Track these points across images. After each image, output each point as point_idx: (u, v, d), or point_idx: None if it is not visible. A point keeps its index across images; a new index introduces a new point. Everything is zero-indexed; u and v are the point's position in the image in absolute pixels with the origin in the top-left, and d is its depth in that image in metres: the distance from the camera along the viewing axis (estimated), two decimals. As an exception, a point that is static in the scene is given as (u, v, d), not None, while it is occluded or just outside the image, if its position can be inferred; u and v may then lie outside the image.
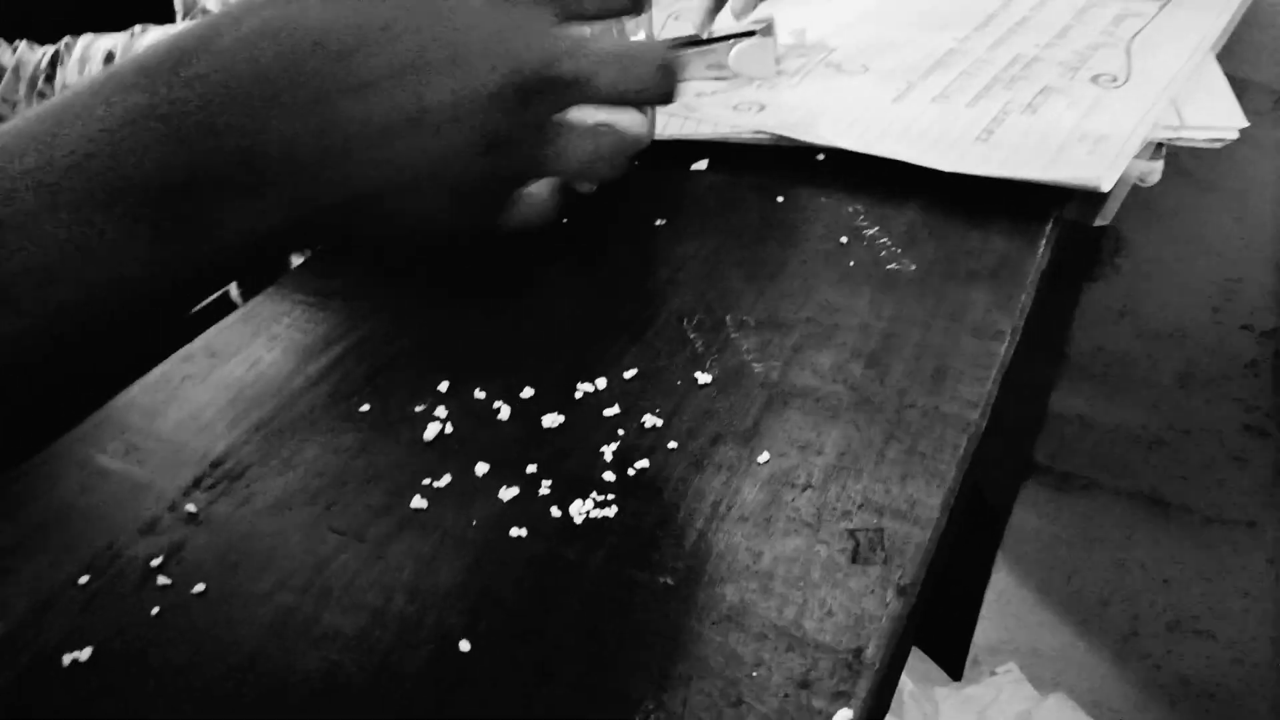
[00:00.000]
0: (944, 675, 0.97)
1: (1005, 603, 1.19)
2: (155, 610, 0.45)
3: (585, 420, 0.53)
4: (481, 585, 0.45)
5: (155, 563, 0.48)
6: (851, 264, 0.62)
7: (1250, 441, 1.22)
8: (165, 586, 0.47)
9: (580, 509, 0.47)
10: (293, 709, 0.41)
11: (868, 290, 0.60)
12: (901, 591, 0.42)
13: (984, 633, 1.25)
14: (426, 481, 0.50)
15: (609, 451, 0.50)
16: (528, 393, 0.55)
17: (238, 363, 0.61)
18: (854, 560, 0.44)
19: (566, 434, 0.52)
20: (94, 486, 0.53)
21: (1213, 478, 1.26)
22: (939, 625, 1.16)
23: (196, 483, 0.52)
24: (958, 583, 1.20)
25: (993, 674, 0.89)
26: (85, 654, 0.44)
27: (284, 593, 0.46)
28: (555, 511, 0.48)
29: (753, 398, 0.53)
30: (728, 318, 0.59)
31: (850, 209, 0.67)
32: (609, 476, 0.49)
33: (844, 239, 0.64)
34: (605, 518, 0.47)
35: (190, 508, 0.51)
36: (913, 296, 0.59)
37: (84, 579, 0.47)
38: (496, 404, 0.54)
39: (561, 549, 0.46)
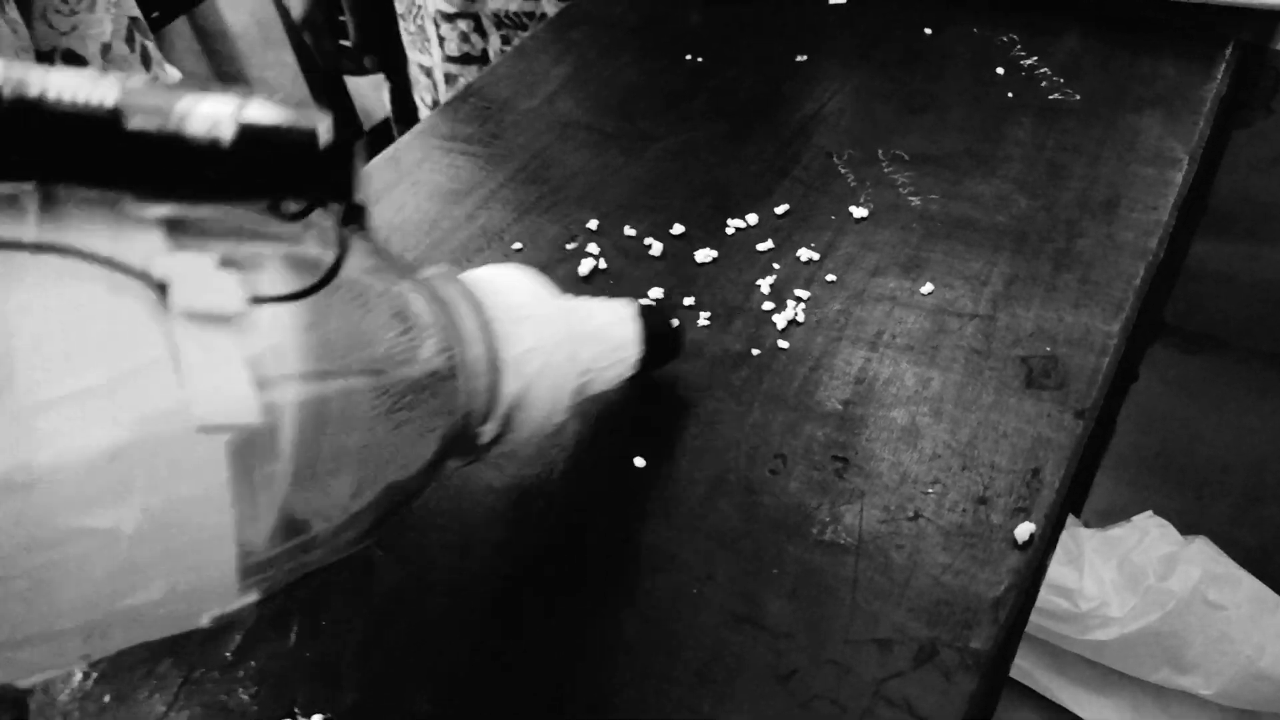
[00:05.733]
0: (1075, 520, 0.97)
1: (1123, 466, 1.16)
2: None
3: (738, 254, 0.52)
4: (643, 414, 0.46)
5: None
6: (1010, 95, 0.59)
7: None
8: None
9: (739, 334, 0.48)
10: (479, 525, 0.43)
11: (1028, 121, 0.57)
12: (1079, 415, 0.41)
13: (1098, 497, 1.23)
14: (584, 314, 0.51)
15: (765, 284, 0.50)
16: (678, 229, 0.55)
17: (384, 206, 0.62)
18: (1028, 386, 0.43)
19: (720, 267, 0.52)
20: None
21: (1356, 339, 1.20)
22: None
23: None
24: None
25: (1128, 521, 0.89)
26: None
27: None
28: (715, 342, 0.48)
29: (912, 230, 0.52)
30: (880, 152, 0.57)
31: (1004, 39, 0.64)
32: (767, 306, 0.49)
33: (1000, 70, 0.61)
34: (774, 345, 0.47)
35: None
36: (1078, 126, 0.56)
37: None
38: (648, 240, 0.54)
39: (727, 376, 0.46)
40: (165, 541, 0.21)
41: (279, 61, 1.65)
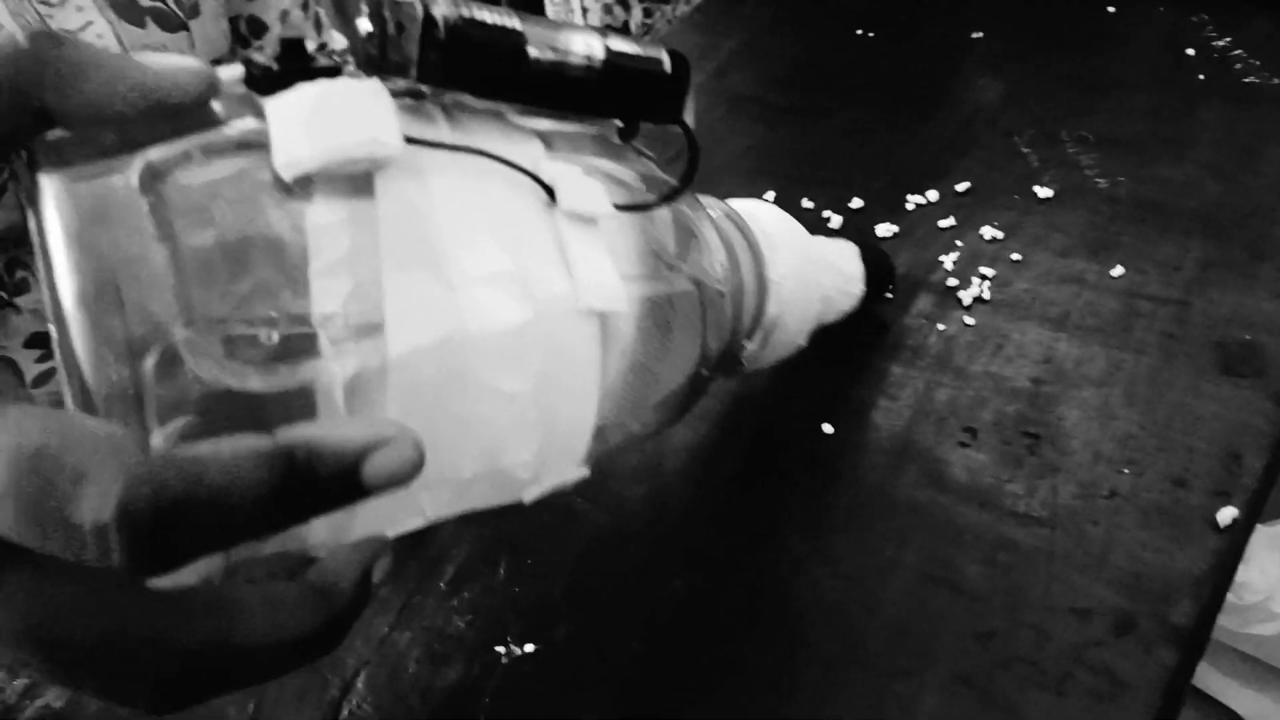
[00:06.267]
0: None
1: None
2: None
3: (920, 230, 0.53)
4: (831, 382, 0.47)
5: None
6: (1200, 78, 0.58)
7: None
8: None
9: (924, 310, 0.49)
10: (673, 482, 0.45)
11: (1220, 104, 0.56)
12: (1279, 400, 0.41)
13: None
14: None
15: (949, 260, 0.51)
16: (856, 203, 0.56)
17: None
18: (1225, 372, 0.43)
19: (903, 242, 0.53)
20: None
21: None
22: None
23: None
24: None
25: None
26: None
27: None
28: (913, 319, 0.49)
29: (1099, 212, 0.52)
30: (1063, 132, 0.57)
31: (1194, 19, 0.62)
32: (952, 283, 0.50)
33: (1190, 50, 0.60)
34: (960, 321, 0.48)
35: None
36: (1275, 111, 0.55)
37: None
38: (826, 213, 0.55)
39: (915, 349, 0.47)
40: (547, 406, 0.25)
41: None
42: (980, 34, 0.66)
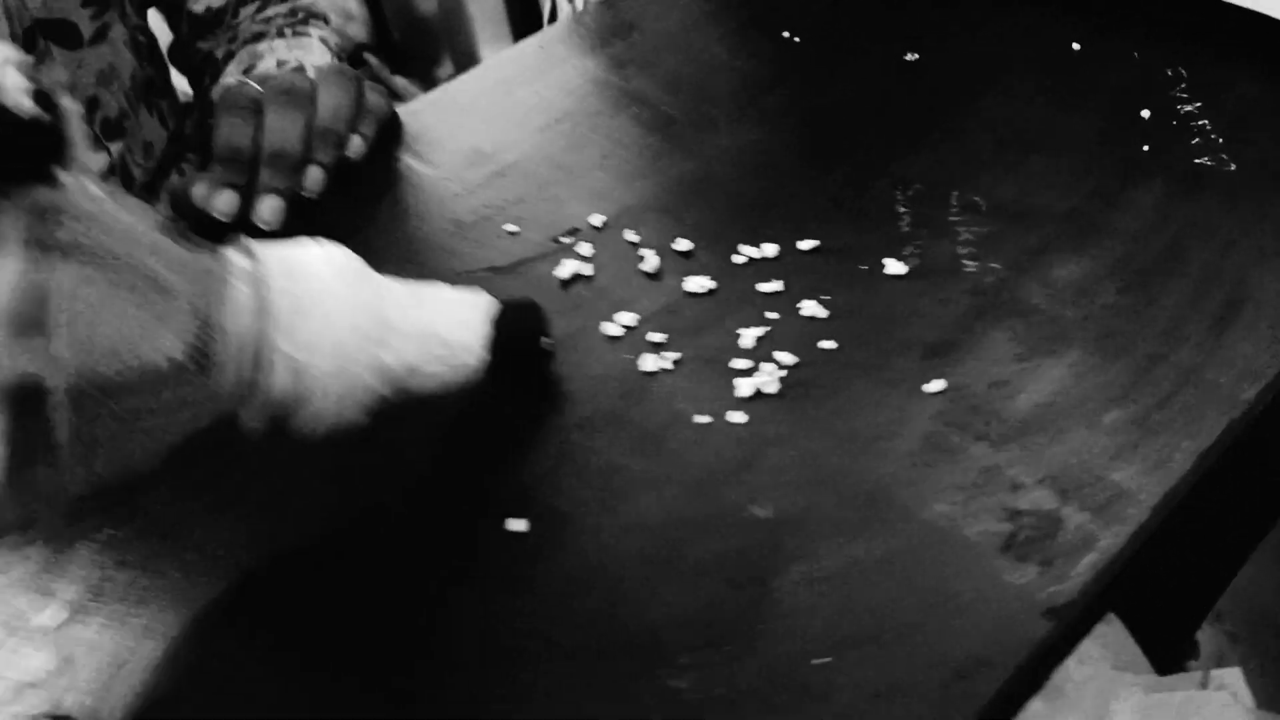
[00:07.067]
0: (1141, 659, 0.79)
1: (1251, 592, 0.96)
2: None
3: (736, 290, 0.44)
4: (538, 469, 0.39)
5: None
6: (1145, 149, 0.47)
7: None
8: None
9: (694, 391, 0.40)
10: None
11: (1158, 187, 0.45)
12: (1053, 614, 0.31)
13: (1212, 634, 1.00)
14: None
15: (750, 336, 0.41)
16: (683, 244, 0.46)
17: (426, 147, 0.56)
18: (1004, 550, 0.33)
19: (711, 303, 0.43)
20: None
21: None
22: (1161, 595, 0.97)
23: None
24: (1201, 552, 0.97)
25: (1202, 685, 0.72)
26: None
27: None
28: (681, 404, 0.40)
29: (953, 304, 0.41)
30: (955, 194, 0.46)
31: (1169, 72, 0.50)
32: (739, 365, 0.40)
33: (1146, 112, 0.48)
34: (723, 415, 0.39)
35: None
36: (1220, 203, 0.43)
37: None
38: (644, 252, 0.46)
39: (664, 441, 0.38)
40: None
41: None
42: (915, 56, 0.55)
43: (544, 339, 0.41)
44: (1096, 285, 0.41)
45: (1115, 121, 0.48)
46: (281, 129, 0.50)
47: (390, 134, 0.55)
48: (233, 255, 0.31)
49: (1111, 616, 0.33)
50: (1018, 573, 0.32)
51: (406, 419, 0.35)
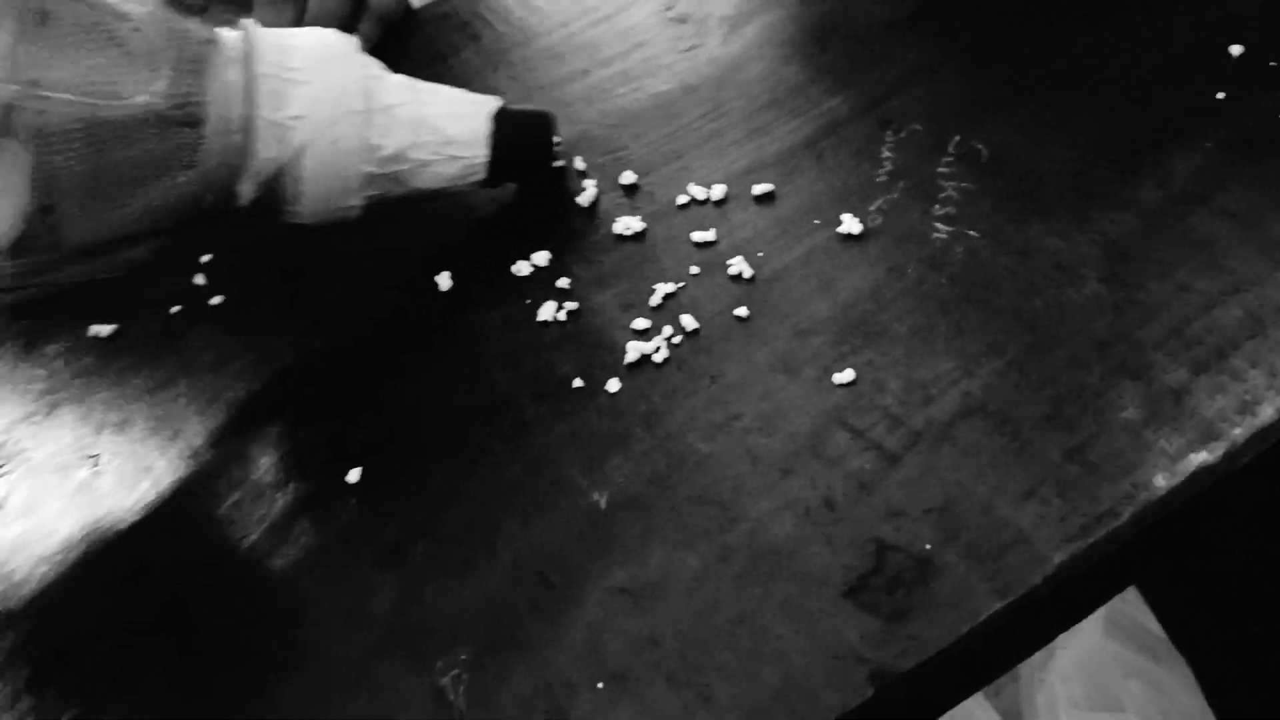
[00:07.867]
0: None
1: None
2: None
3: (672, 235, 0.38)
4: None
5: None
6: (1221, 95, 0.37)
7: None
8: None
9: (583, 351, 0.35)
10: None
11: (1214, 148, 0.35)
12: (877, 680, 0.26)
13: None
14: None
15: (660, 292, 0.36)
16: (628, 177, 0.41)
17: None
18: (847, 595, 0.27)
19: (642, 247, 0.38)
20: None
21: None
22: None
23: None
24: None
25: None
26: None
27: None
28: (564, 366, 0.36)
29: (902, 277, 0.35)
30: (954, 140, 0.38)
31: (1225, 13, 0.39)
32: (638, 324, 0.35)
33: (1236, 48, 0.38)
34: (600, 383, 0.34)
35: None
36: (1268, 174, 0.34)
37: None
38: (587, 183, 0.41)
39: (545, 391, 0.34)
40: None
41: None
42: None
43: (554, 144, 0.40)
44: (1080, 270, 0.33)
45: (1189, 58, 0.39)
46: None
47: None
48: (224, 31, 0.33)
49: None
50: (855, 622, 0.27)
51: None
